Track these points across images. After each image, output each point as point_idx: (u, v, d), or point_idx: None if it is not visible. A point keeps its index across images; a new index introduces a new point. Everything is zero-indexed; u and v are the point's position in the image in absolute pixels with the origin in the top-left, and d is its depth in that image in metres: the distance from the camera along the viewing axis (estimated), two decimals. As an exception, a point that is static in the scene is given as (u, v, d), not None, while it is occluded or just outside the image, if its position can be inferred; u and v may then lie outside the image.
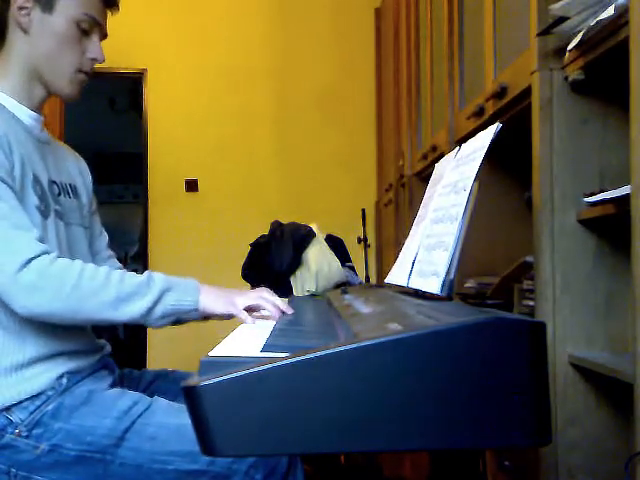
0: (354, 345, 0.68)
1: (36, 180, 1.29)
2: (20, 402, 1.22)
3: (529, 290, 1.31)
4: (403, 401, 0.67)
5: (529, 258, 1.30)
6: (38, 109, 1.39)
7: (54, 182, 1.36)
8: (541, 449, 1.22)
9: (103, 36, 1.40)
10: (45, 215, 1.29)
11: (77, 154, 1.56)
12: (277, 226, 2.59)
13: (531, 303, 1.28)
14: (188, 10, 3.97)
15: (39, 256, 1.16)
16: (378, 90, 3.97)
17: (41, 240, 1.19)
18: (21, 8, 1.31)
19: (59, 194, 1.37)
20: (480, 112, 1.61)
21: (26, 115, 1.35)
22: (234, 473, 1.17)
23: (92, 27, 1.37)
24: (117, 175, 5.91)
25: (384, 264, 3.42)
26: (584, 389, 1.20)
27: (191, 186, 4.04)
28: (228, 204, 4.02)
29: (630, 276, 0.92)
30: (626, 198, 0.94)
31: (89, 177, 1.55)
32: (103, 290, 1.19)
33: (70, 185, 1.44)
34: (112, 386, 1.35)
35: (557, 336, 1.19)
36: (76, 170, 1.50)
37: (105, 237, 1.59)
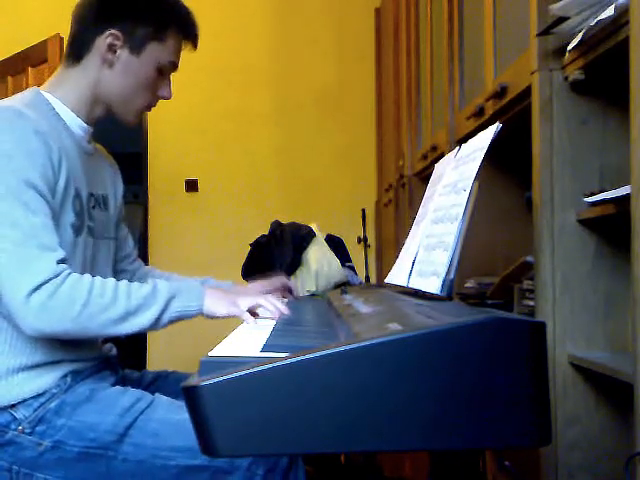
0: (354, 345, 0.68)
1: (77, 195, 1.30)
2: (24, 400, 1.23)
3: (529, 290, 1.31)
4: (403, 401, 0.67)
5: (529, 258, 1.30)
6: (91, 123, 1.40)
7: (92, 195, 1.37)
8: (541, 449, 1.22)
9: (175, 71, 1.41)
10: (78, 233, 1.30)
11: (113, 161, 1.57)
12: (277, 226, 2.59)
13: (531, 303, 1.28)
14: (188, 10, 3.96)
15: (54, 278, 1.16)
16: (378, 90, 3.97)
17: (63, 260, 1.19)
18: (111, 45, 1.32)
19: (94, 207, 1.38)
20: (480, 112, 1.61)
21: (77, 126, 1.36)
22: (235, 469, 1.17)
23: (170, 70, 1.39)
24: (117, 175, 5.90)
25: (384, 264, 3.42)
26: (584, 389, 1.20)
27: (191, 186, 4.04)
28: (228, 204, 4.02)
29: (630, 276, 0.92)
30: (626, 198, 0.94)
31: (121, 188, 1.56)
32: (112, 306, 1.19)
33: (103, 196, 1.44)
34: (114, 385, 1.35)
35: (557, 336, 1.19)
36: (110, 180, 1.51)
37: (131, 240, 1.62)
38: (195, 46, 1.41)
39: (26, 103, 1.28)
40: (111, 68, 1.34)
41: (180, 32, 1.37)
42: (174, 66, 1.39)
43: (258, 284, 1.62)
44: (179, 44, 1.38)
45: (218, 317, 1.31)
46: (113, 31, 1.31)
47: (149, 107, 1.42)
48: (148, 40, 1.33)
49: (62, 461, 1.21)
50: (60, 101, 1.34)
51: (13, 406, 1.22)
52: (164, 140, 4.04)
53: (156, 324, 1.24)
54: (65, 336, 1.21)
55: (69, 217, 1.27)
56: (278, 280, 1.50)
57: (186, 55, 1.42)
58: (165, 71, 1.38)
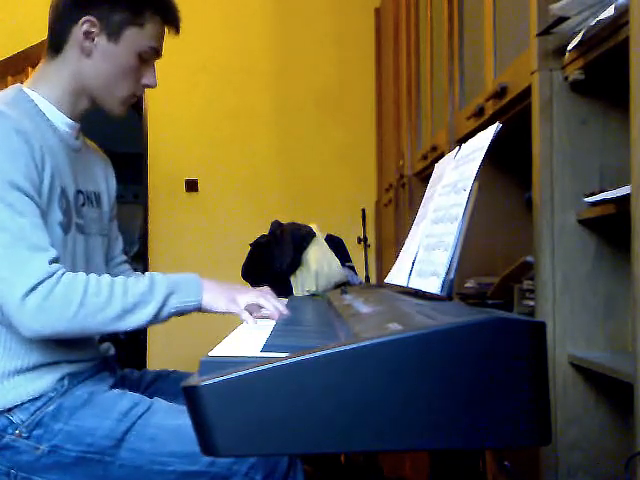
0: (354, 345, 0.68)
1: (63, 193, 1.28)
2: (22, 403, 1.22)
3: (529, 290, 1.31)
4: (403, 401, 0.67)
5: (529, 258, 1.30)
6: (77, 118, 1.38)
7: (80, 192, 1.36)
8: (541, 449, 1.22)
9: (158, 57, 1.39)
10: (66, 230, 1.29)
11: (106, 157, 1.55)
12: (277, 226, 2.59)
13: (531, 303, 1.28)
14: (188, 10, 3.96)
15: (48, 278, 1.15)
16: (378, 90, 3.97)
17: (55, 260, 1.18)
18: (87, 33, 1.30)
19: (83, 204, 1.37)
20: (480, 112, 1.61)
21: (63, 123, 1.34)
22: (234, 474, 1.17)
23: (152, 56, 1.36)
24: (117, 175, 5.87)
25: (384, 264, 3.42)
26: (584, 389, 1.20)
27: (191, 186, 4.04)
28: (228, 204, 4.02)
29: (630, 276, 0.92)
30: (626, 198, 0.94)
31: (114, 183, 1.54)
32: (108, 305, 1.18)
33: (95, 194, 1.43)
34: (113, 387, 1.35)
35: (557, 336, 1.19)
36: (102, 177, 1.50)
37: (120, 242, 1.59)
38: (177, 30, 1.38)
39: (7, 102, 1.26)
40: (90, 57, 1.31)
41: (159, 15, 1.33)
42: (156, 52, 1.36)
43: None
44: (159, 29, 1.34)
45: (216, 312, 1.31)
46: (89, 17, 1.29)
47: (134, 96, 1.38)
48: (125, 25, 1.30)
49: (59, 465, 1.20)
50: (43, 97, 1.32)
51: (10, 410, 1.21)
52: (164, 140, 4.04)
53: (155, 320, 1.23)
54: (63, 336, 1.20)
55: (56, 216, 1.26)
56: (263, 289, 1.48)
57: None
58: (147, 57, 1.35)
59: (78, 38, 1.30)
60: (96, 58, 1.31)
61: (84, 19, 1.29)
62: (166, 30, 1.38)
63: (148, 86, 1.38)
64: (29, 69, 3.72)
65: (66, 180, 1.31)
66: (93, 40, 1.30)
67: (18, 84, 1.35)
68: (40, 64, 1.37)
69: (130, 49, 1.32)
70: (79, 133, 1.40)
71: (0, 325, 1.23)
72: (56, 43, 1.33)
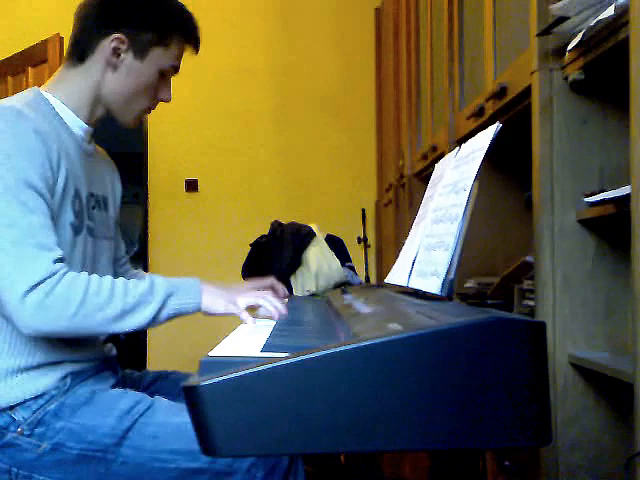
0: (354, 345, 0.68)
1: (77, 195, 1.30)
2: (24, 401, 1.22)
3: (529, 290, 1.31)
4: (403, 401, 0.67)
5: (529, 258, 1.30)
6: (92, 123, 1.40)
7: (92, 195, 1.38)
8: (541, 449, 1.22)
9: (176, 73, 1.42)
10: (77, 232, 1.30)
11: (112, 163, 1.57)
12: (277, 226, 2.59)
13: (531, 303, 1.28)
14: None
15: (50, 277, 1.16)
16: (378, 90, 3.97)
17: (60, 260, 1.19)
18: (116, 49, 1.32)
19: (94, 207, 1.38)
20: (480, 112, 1.61)
21: (78, 127, 1.36)
22: (235, 471, 1.17)
23: (172, 73, 1.40)
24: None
25: (384, 264, 3.42)
26: (584, 389, 1.20)
27: (191, 186, 4.04)
28: (228, 204, 4.02)
29: (630, 276, 0.92)
30: (626, 198, 0.94)
31: (119, 188, 1.56)
32: (108, 305, 1.19)
33: (103, 197, 1.45)
34: (114, 387, 1.35)
35: (557, 336, 1.19)
36: (109, 181, 1.51)
37: (122, 243, 1.62)
38: (197, 50, 1.43)
39: (26, 103, 1.27)
40: (115, 71, 1.35)
41: (183, 37, 1.39)
42: (176, 70, 1.41)
43: (248, 283, 1.61)
44: (182, 49, 1.40)
45: (216, 314, 1.31)
46: (118, 35, 1.32)
47: (149, 110, 1.43)
48: (152, 45, 1.34)
49: (61, 463, 1.21)
50: (61, 101, 1.34)
51: (12, 408, 1.22)
52: (164, 140, 4.04)
53: (153, 321, 1.24)
54: (62, 335, 1.21)
55: (68, 217, 1.27)
56: (267, 280, 1.52)
57: (187, 56, 1.42)
58: (167, 74, 1.39)
59: (105, 52, 1.33)
60: (121, 73, 1.35)
61: (114, 36, 1.32)
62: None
63: (164, 100, 1.42)
64: (29, 69, 3.72)
65: (79, 182, 1.32)
66: (120, 56, 1.33)
67: (35, 87, 1.37)
68: (59, 69, 1.39)
69: (154, 67, 1.35)
70: (92, 138, 1.42)
71: (5, 322, 1.24)
72: (81, 53, 1.35)
